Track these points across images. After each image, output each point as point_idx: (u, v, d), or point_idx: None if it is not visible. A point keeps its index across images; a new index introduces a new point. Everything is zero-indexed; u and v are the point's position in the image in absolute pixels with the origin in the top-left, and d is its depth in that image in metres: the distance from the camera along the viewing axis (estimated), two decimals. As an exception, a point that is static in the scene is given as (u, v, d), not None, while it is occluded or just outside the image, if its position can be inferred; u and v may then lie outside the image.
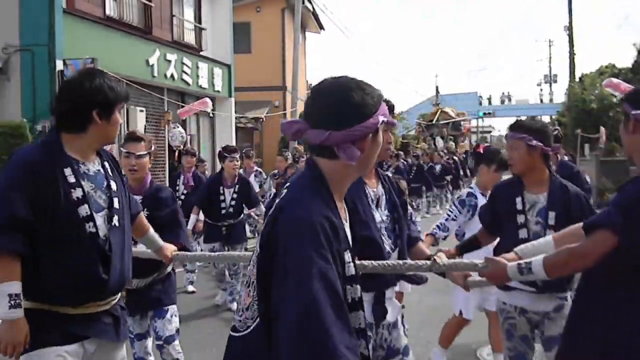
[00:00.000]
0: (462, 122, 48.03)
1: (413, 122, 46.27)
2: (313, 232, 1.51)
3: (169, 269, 3.80)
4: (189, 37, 16.70)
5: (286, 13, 24.59)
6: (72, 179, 2.36)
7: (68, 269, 2.32)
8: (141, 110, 13.52)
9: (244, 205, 6.85)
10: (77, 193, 2.36)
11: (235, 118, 19.22)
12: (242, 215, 6.89)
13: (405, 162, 17.99)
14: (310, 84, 32.95)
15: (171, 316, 3.85)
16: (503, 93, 72.33)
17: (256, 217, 7.29)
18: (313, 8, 25.28)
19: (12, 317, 2.23)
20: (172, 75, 14.84)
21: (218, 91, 17.50)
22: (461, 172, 21.54)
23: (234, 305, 6.62)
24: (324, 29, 30.82)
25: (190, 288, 7.65)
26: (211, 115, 17.12)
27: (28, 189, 2.27)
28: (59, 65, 10.73)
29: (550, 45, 58.49)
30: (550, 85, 59.44)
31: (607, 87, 14.20)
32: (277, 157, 10.64)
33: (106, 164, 2.56)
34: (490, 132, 72.72)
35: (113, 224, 2.46)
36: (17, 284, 2.23)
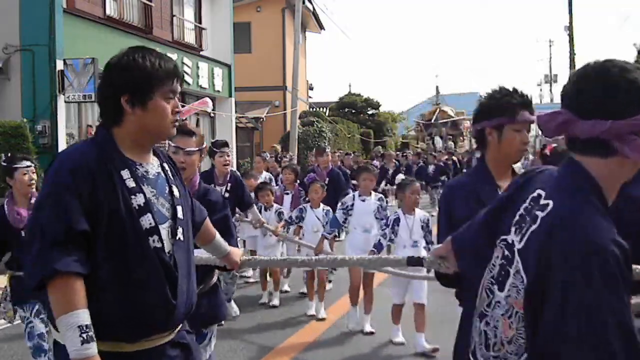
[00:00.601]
0: (461, 122, 47.99)
1: (413, 122, 46.25)
2: (605, 266, 1.22)
3: (214, 279, 3.29)
4: (189, 37, 16.72)
5: (286, 13, 24.60)
6: (131, 183, 1.93)
7: (129, 292, 1.88)
8: (141, 110, 13.54)
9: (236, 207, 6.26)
10: (139, 200, 1.92)
11: (235, 118, 19.23)
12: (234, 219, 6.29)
13: (397, 162, 17.86)
14: (311, 84, 33.01)
15: (209, 340, 3.41)
16: (503, 93, 72.18)
17: (248, 221, 6.64)
18: (313, 8, 25.31)
19: (87, 354, 1.78)
20: (172, 75, 14.84)
21: (218, 91, 17.51)
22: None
23: (231, 305, 6.51)
24: (324, 29, 30.85)
25: None
26: (211, 115, 17.13)
27: (83, 195, 1.84)
28: (59, 65, 10.74)
29: (550, 45, 58.52)
30: (551, 85, 59.33)
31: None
32: (255, 157, 10.35)
33: (165, 165, 2.11)
34: (490, 132, 72.67)
35: (177, 237, 2.01)
36: (86, 312, 1.79)
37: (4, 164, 4.22)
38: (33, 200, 4.14)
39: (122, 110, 1.94)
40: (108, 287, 1.85)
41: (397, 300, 5.34)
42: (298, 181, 8.22)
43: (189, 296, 2.03)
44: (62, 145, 10.79)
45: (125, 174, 1.93)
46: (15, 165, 4.13)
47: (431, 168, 17.70)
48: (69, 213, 1.81)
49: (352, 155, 16.23)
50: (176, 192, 2.07)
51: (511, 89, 2.39)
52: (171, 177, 2.10)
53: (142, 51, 1.99)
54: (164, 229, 1.98)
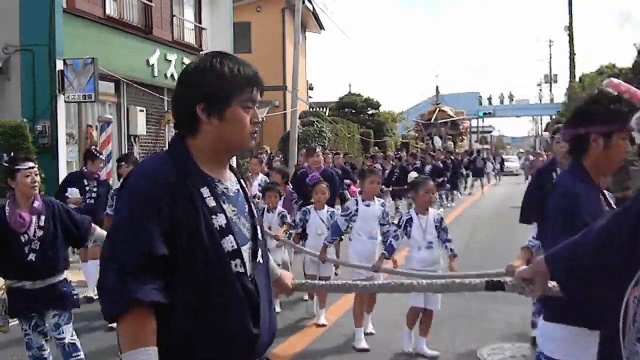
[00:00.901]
0: (460, 121, 47.96)
1: (412, 122, 46.18)
2: None
3: None
4: (189, 37, 16.71)
5: (286, 13, 24.59)
6: (211, 202, 1.76)
7: (208, 322, 1.71)
8: (141, 110, 13.53)
9: None
10: (220, 220, 1.76)
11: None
12: None
13: (392, 164, 17.66)
14: (311, 84, 33.00)
15: None
16: (502, 94, 72.35)
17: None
18: (313, 8, 25.28)
19: None
20: (172, 75, 14.85)
21: (218, 91, 17.50)
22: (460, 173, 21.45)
23: None
24: (324, 29, 30.83)
25: None
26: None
27: (162, 215, 1.68)
28: (59, 65, 10.73)
29: (550, 45, 58.54)
30: (550, 85, 59.46)
31: (607, 87, 14.21)
32: (252, 159, 10.25)
33: (242, 181, 1.95)
34: (490, 132, 72.83)
35: (257, 260, 1.86)
36: (155, 350, 1.64)
37: (6, 164, 4.09)
38: (36, 204, 4.01)
39: (197, 120, 1.80)
40: (185, 316, 1.69)
41: (415, 302, 5.03)
42: (290, 184, 8.15)
43: (272, 323, 1.87)
44: (62, 145, 10.77)
45: (205, 191, 1.77)
46: (18, 167, 3.99)
47: (428, 168, 16.98)
48: (148, 236, 1.65)
49: (343, 155, 15.77)
50: (254, 211, 1.92)
51: (616, 95, 2.41)
52: (248, 193, 1.94)
53: (220, 56, 1.84)
54: (245, 251, 1.82)
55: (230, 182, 1.87)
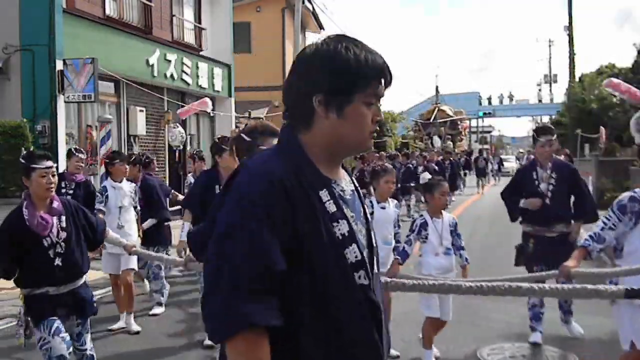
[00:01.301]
0: (459, 121, 47.90)
1: (412, 122, 46.18)
2: None
3: None
4: (189, 37, 16.71)
5: (286, 13, 24.61)
6: (332, 207, 1.53)
7: (335, 345, 1.50)
8: (141, 110, 13.54)
9: None
10: (342, 228, 1.54)
11: (235, 118, 19.23)
12: None
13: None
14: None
15: None
16: (502, 94, 72.40)
17: None
18: (313, 8, 25.30)
19: None
20: (172, 75, 14.85)
21: (218, 91, 17.51)
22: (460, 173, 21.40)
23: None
24: (324, 29, 30.82)
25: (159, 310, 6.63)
26: (211, 115, 17.15)
27: (278, 224, 1.45)
28: (59, 65, 10.74)
29: (550, 45, 58.60)
30: (550, 85, 59.55)
31: (607, 87, 14.25)
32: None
33: (355, 181, 1.72)
34: (490, 132, 72.86)
35: (375, 271, 1.64)
36: None
37: (23, 161, 3.72)
38: (55, 204, 3.72)
39: (313, 113, 1.55)
40: (306, 339, 1.48)
41: (430, 312, 4.70)
42: None
43: (389, 338, 1.67)
44: (62, 146, 10.78)
45: (325, 195, 1.53)
46: (34, 165, 3.62)
47: (420, 170, 16.51)
48: (264, 248, 1.43)
49: None
50: (368, 214, 1.70)
51: None
52: (361, 195, 1.70)
53: (345, 40, 1.56)
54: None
55: (345, 182, 1.64)
